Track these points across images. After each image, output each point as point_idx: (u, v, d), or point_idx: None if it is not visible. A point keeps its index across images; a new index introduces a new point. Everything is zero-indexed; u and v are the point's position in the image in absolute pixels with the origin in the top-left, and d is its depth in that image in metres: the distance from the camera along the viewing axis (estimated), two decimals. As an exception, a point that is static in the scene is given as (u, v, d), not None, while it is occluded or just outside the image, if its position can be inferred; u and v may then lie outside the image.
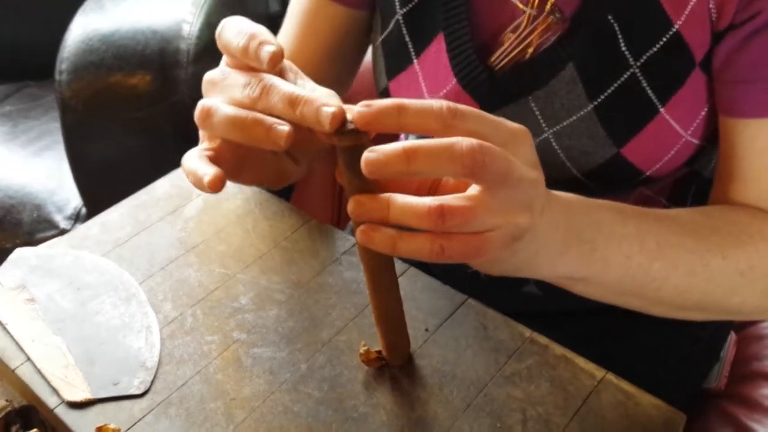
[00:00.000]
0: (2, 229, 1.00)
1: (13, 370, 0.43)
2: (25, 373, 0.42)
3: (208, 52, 0.92)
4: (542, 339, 0.41)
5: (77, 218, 1.00)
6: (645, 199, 0.55)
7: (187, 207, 0.54)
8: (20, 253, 0.52)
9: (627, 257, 0.39)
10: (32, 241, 0.99)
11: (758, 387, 0.63)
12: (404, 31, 0.54)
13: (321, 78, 0.59)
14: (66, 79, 0.90)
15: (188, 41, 0.90)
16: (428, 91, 0.54)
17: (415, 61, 0.54)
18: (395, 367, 0.41)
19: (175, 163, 1.00)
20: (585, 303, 0.45)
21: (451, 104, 0.32)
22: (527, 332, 0.42)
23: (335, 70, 0.61)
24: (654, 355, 0.59)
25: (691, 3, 0.44)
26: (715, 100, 0.47)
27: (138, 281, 0.48)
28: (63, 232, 0.99)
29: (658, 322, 0.51)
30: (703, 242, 0.42)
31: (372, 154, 0.31)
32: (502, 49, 0.50)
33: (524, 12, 0.48)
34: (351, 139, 0.32)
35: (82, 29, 0.92)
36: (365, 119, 0.32)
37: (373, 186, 0.33)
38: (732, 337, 0.67)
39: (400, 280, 0.41)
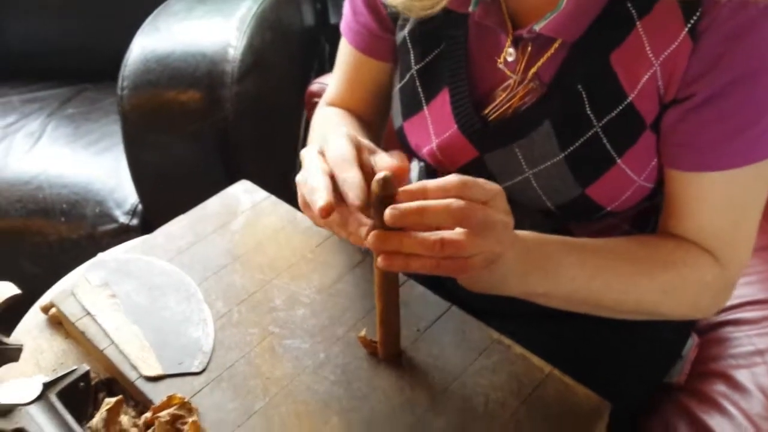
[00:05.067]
0: (68, 222, 1.14)
1: (101, 351, 0.56)
2: (111, 353, 0.55)
3: (249, 74, 1.05)
4: (506, 340, 0.53)
5: (134, 214, 1.13)
6: (612, 226, 0.65)
7: (233, 222, 0.67)
8: (102, 257, 0.65)
9: (571, 279, 0.52)
10: (95, 233, 1.13)
11: (712, 384, 0.73)
12: (417, 83, 0.65)
13: (370, 115, 0.72)
14: (127, 95, 1.03)
15: (233, 64, 1.03)
16: (434, 133, 0.64)
17: (425, 107, 0.65)
18: (391, 359, 0.53)
19: (218, 170, 1.13)
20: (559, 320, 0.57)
21: (458, 185, 0.45)
22: (495, 335, 0.53)
23: (380, 108, 0.74)
24: (617, 353, 0.70)
25: (643, 80, 0.54)
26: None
27: (196, 283, 0.61)
28: (122, 225, 1.13)
29: (622, 326, 0.63)
30: (634, 266, 0.54)
31: (395, 211, 0.44)
32: (494, 104, 0.60)
33: (511, 77, 0.59)
34: (383, 194, 0.44)
35: (141, 50, 1.05)
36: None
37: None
38: (695, 339, 0.77)
39: (400, 289, 0.53)
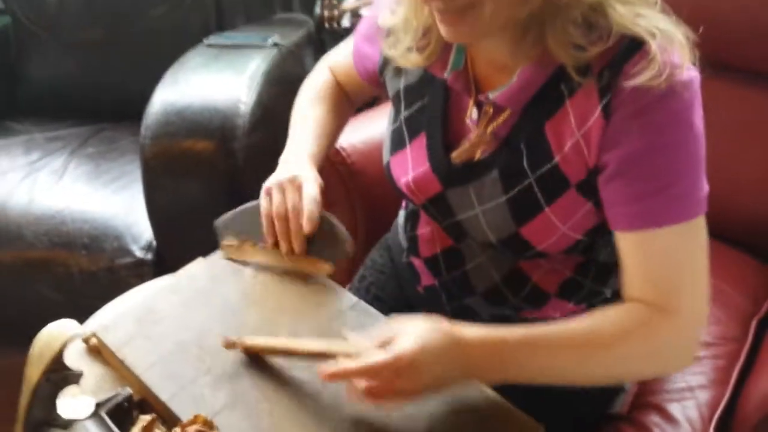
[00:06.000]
0: (89, 255, 1.25)
1: (137, 376, 0.68)
2: (145, 378, 0.67)
3: (258, 127, 1.18)
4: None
5: (149, 249, 1.25)
6: (555, 271, 0.77)
7: (247, 267, 0.79)
8: (133, 295, 0.77)
9: (529, 372, 0.64)
10: (113, 266, 1.25)
11: (649, 415, 0.86)
12: (404, 127, 0.79)
13: (350, 90, 0.95)
14: (148, 144, 1.16)
15: (243, 118, 1.16)
16: (412, 168, 0.77)
17: (408, 147, 0.78)
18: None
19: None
20: None
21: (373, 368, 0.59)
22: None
23: (356, 96, 0.95)
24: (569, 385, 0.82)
25: (567, 147, 0.66)
26: (586, 210, 0.69)
27: (214, 321, 0.73)
28: (138, 260, 1.24)
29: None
30: (581, 351, 0.64)
31: (329, 374, 0.60)
32: (459, 150, 0.73)
33: (473, 131, 0.72)
34: None
35: (162, 104, 1.18)
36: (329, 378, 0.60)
37: None
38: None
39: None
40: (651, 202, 0.64)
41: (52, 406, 0.58)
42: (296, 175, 0.79)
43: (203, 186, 1.17)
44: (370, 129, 1.13)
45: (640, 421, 0.85)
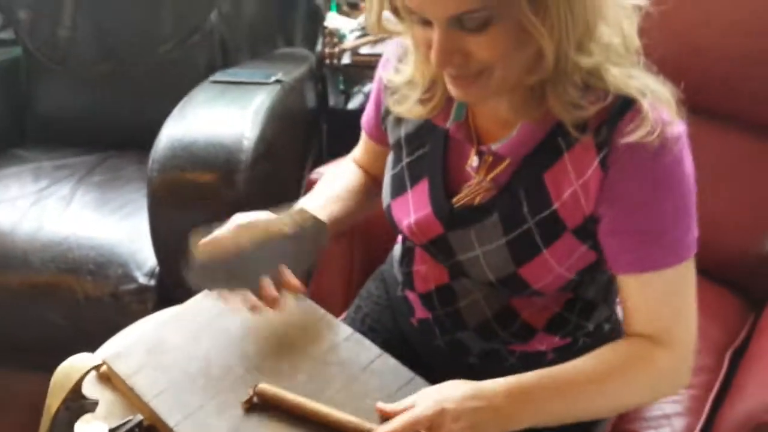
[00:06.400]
0: (95, 281, 1.29)
1: (146, 403, 0.72)
2: (154, 405, 0.72)
3: (260, 162, 1.24)
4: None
5: (152, 275, 1.30)
6: (545, 308, 0.82)
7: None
8: (142, 325, 0.82)
9: (548, 413, 0.71)
10: (117, 292, 1.29)
11: (627, 440, 0.91)
12: (405, 173, 0.83)
13: (375, 170, 0.95)
14: (156, 176, 1.21)
15: (246, 153, 1.22)
16: (413, 212, 0.81)
17: (409, 191, 0.82)
18: None
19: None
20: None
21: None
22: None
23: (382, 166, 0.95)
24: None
25: (565, 195, 0.71)
26: (581, 253, 0.75)
27: (218, 349, 0.78)
28: (141, 286, 1.29)
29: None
30: (600, 385, 0.72)
31: None
32: (460, 195, 0.78)
33: (474, 178, 0.77)
34: None
35: (169, 139, 1.23)
36: None
37: None
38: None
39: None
40: (648, 250, 0.70)
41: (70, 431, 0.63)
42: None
43: (207, 216, 1.20)
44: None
45: (619, 447, 0.90)
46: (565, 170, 0.71)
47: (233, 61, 1.64)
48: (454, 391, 0.69)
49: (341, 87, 1.77)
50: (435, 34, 0.63)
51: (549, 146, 0.71)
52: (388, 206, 0.85)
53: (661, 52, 0.70)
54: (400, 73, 0.77)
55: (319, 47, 1.64)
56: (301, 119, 1.51)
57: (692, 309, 0.73)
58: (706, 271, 1.13)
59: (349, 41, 1.53)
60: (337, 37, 1.57)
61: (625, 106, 0.67)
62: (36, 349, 1.41)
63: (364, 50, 1.58)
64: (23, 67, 1.71)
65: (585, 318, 0.84)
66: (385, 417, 0.69)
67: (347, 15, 1.68)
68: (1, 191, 1.49)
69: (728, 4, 1.10)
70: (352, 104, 1.76)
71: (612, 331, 0.86)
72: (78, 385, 0.62)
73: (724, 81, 1.10)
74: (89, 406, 0.64)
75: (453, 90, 0.68)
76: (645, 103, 0.66)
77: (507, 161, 0.74)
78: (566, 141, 0.70)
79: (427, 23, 0.64)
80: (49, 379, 0.91)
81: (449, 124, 0.76)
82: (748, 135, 1.14)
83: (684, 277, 0.72)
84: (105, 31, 1.62)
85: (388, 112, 0.84)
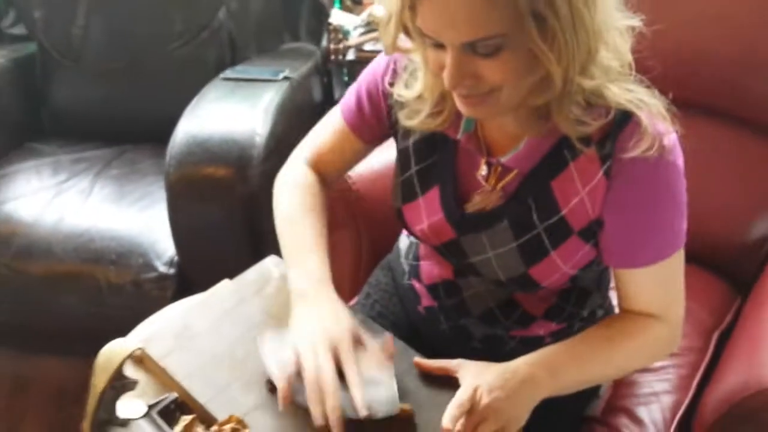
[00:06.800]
0: (117, 270, 1.37)
1: (178, 383, 0.79)
2: (186, 384, 0.79)
3: (271, 157, 1.30)
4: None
5: (171, 264, 1.37)
6: (545, 297, 0.89)
7: (267, 288, 0.91)
8: (169, 311, 0.89)
9: (575, 378, 0.79)
10: (138, 280, 1.36)
11: (619, 417, 0.97)
12: (415, 180, 0.85)
13: (334, 177, 0.98)
14: (173, 171, 1.28)
15: (258, 149, 1.29)
16: (426, 217, 0.86)
17: (419, 198, 0.85)
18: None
19: (244, 231, 1.37)
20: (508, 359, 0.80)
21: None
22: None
23: (344, 172, 1.00)
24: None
25: (572, 202, 0.77)
26: (585, 251, 0.81)
27: (239, 333, 0.84)
28: (161, 274, 1.36)
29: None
30: (610, 347, 0.80)
31: None
32: (471, 203, 0.83)
33: (484, 186, 0.82)
34: None
35: (185, 135, 1.30)
36: None
37: None
38: (610, 382, 1.02)
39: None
40: (647, 248, 0.77)
41: (114, 408, 0.70)
42: (331, 339, 0.75)
43: (222, 208, 1.29)
44: (373, 159, 1.24)
45: (612, 423, 0.97)
46: (571, 179, 0.76)
47: (241, 57, 1.70)
48: (485, 370, 0.76)
49: (345, 79, 1.83)
50: (448, 58, 0.66)
51: (555, 157, 0.76)
52: (399, 210, 0.89)
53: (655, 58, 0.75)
54: (409, 88, 0.79)
55: (324, 43, 1.69)
56: (308, 113, 1.57)
57: (682, 288, 0.82)
58: (696, 259, 1.20)
59: (354, 38, 1.58)
60: (342, 33, 1.63)
61: (625, 120, 0.72)
62: (60, 335, 1.48)
63: (368, 47, 1.63)
64: (38, 62, 1.77)
65: (580, 305, 0.91)
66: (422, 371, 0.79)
67: (350, 11, 1.73)
68: (22, 184, 1.56)
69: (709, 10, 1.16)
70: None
71: (605, 317, 0.94)
72: (121, 366, 0.68)
73: (710, 79, 1.16)
74: (130, 385, 0.71)
75: (462, 107, 0.72)
76: (643, 116, 0.71)
77: (515, 172, 0.79)
78: (571, 152, 0.74)
79: (440, 46, 0.67)
80: (72, 363, 0.99)
81: (460, 136, 0.80)
82: (733, 130, 1.20)
83: (676, 263, 0.79)
84: (117, 30, 1.67)
85: (396, 122, 0.84)
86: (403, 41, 0.71)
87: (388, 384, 0.74)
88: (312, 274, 0.82)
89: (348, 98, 0.92)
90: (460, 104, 0.72)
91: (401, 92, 0.80)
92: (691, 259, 1.19)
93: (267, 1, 1.71)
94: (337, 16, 1.65)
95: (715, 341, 1.10)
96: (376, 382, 0.74)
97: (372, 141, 0.93)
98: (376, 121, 0.89)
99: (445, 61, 0.67)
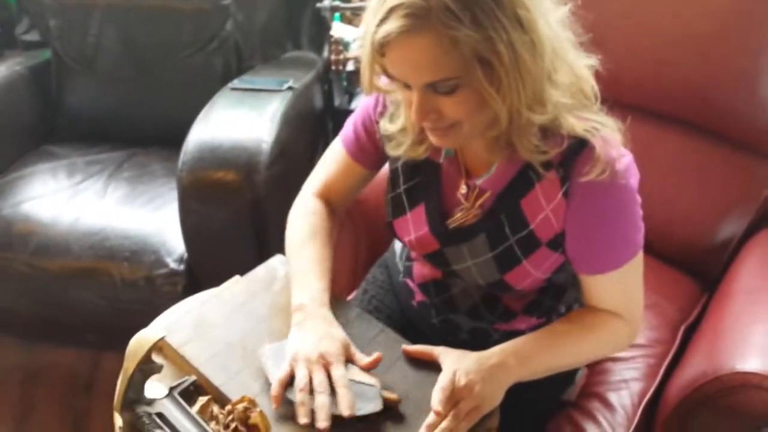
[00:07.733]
0: (130, 266, 1.46)
1: (196, 368, 0.89)
2: (203, 369, 0.89)
3: (276, 161, 1.40)
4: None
5: (181, 261, 1.47)
6: (524, 296, 0.98)
7: (274, 285, 1.01)
8: (185, 304, 0.99)
9: (543, 365, 0.88)
10: (151, 276, 1.46)
11: (592, 402, 1.08)
12: (404, 197, 0.95)
13: (342, 203, 1.07)
14: (185, 176, 1.38)
15: (264, 155, 1.38)
16: (413, 230, 0.96)
17: (408, 214, 0.96)
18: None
19: (250, 233, 1.48)
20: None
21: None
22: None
23: (350, 199, 1.08)
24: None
25: (539, 218, 0.86)
26: (553, 259, 0.90)
27: (250, 327, 0.94)
28: (172, 270, 1.45)
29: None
30: (575, 339, 0.89)
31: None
32: (453, 218, 0.93)
33: (464, 204, 0.92)
34: None
35: (196, 142, 1.40)
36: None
37: None
38: (585, 369, 1.12)
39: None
40: (606, 257, 0.86)
41: (142, 389, 0.80)
42: (323, 352, 0.84)
43: (230, 211, 1.38)
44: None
45: (585, 407, 1.07)
46: (537, 198, 0.85)
47: (246, 64, 1.80)
48: (463, 356, 0.85)
49: (344, 84, 1.92)
50: (414, 96, 0.76)
51: (522, 179, 0.86)
52: (390, 223, 0.99)
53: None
54: (393, 123, 0.89)
55: (325, 54, 1.78)
56: (310, 121, 1.67)
57: (639, 290, 0.91)
58: (666, 258, 1.31)
59: (353, 50, 1.68)
60: (342, 45, 1.72)
61: (581, 147, 0.80)
62: (76, 327, 1.58)
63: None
64: (53, 68, 1.86)
65: (557, 300, 1.00)
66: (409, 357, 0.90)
67: (350, 21, 1.83)
68: (39, 186, 1.65)
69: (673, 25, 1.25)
70: (355, 103, 1.92)
71: (577, 311, 1.03)
72: (150, 352, 0.78)
73: (677, 92, 1.26)
74: (157, 369, 0.81)
75: (431, 138, 0.82)
76: (597, 143, 0.79)
77: (488, 192, 0.89)
78: (536, 175, 0.83)
79: (407, 87, 0.77)
80: (83, 354, 1.05)
81: (442, 159, 0.91)
82: (700, 140, 1.29)
83: (635, 267, 0.88)
84: (130, 40, 1.77)
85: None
86: (384, 82, 0.80)
87: (374, 388, 0.83)
88: (314, 297, 0.91)
89: (347, 130, 1.01)
90: (429, 135, 0.82)
91: (386, 126, 0.90)
92: (661, 258, 1.31)
93: (271, 13, 1.81)
94: (338, 28, 1.74)
95: (682, 334, 1.20)
96: (362, 384, 0.84)
97: (373, 166, 1.02)
98: (374, 148, 0.99)
99: (412, 100, 0.76)
